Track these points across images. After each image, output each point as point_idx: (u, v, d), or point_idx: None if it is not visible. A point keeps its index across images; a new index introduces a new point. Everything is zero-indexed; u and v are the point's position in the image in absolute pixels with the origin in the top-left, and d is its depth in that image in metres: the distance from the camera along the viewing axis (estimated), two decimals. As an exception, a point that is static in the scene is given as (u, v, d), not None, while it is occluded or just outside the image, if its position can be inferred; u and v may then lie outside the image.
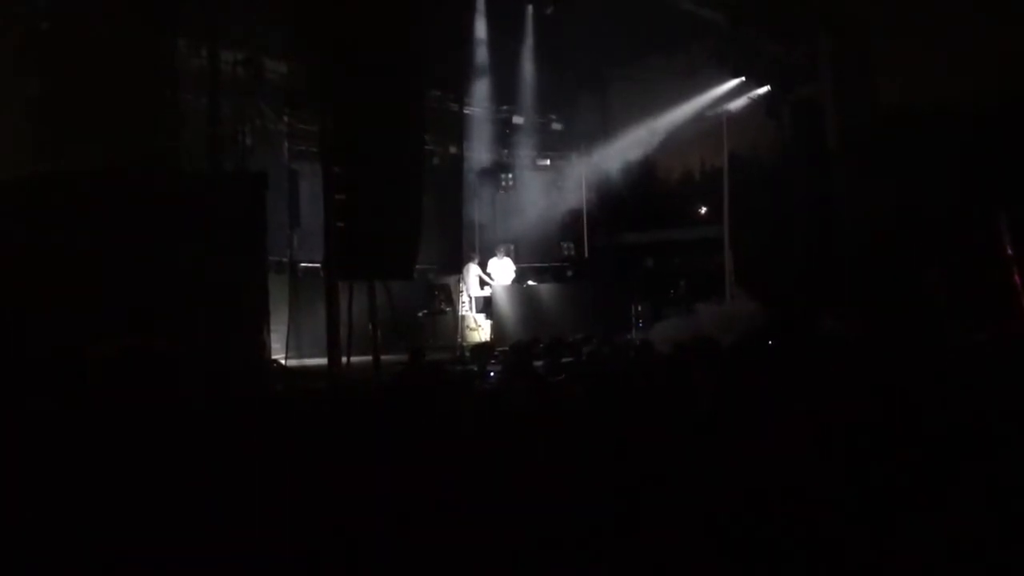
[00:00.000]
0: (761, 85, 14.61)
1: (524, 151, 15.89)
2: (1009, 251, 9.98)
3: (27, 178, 8.76)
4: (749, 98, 14.74)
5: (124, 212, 8.71)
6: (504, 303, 12.87)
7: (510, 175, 15.49)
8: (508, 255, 13.65)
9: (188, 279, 8.85)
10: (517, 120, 15.41)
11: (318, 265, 10.77)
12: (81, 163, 9.09)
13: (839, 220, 12.93)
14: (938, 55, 11.41)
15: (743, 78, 14.60)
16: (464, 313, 12.72)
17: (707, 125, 15.39)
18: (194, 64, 10.77)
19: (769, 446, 3.44)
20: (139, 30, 9.93)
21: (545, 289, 13.92)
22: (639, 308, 14.46)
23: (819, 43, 13.64)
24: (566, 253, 16.03)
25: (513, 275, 13.41)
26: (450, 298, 13.15)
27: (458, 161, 14.35)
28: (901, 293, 10.51)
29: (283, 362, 9.99)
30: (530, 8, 13.76)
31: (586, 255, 16.18)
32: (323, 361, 9.27)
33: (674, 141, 15.96)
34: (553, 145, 16.30)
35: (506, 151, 15.70)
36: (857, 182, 12.62)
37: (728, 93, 15.03)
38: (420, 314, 12.80)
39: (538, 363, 8.40)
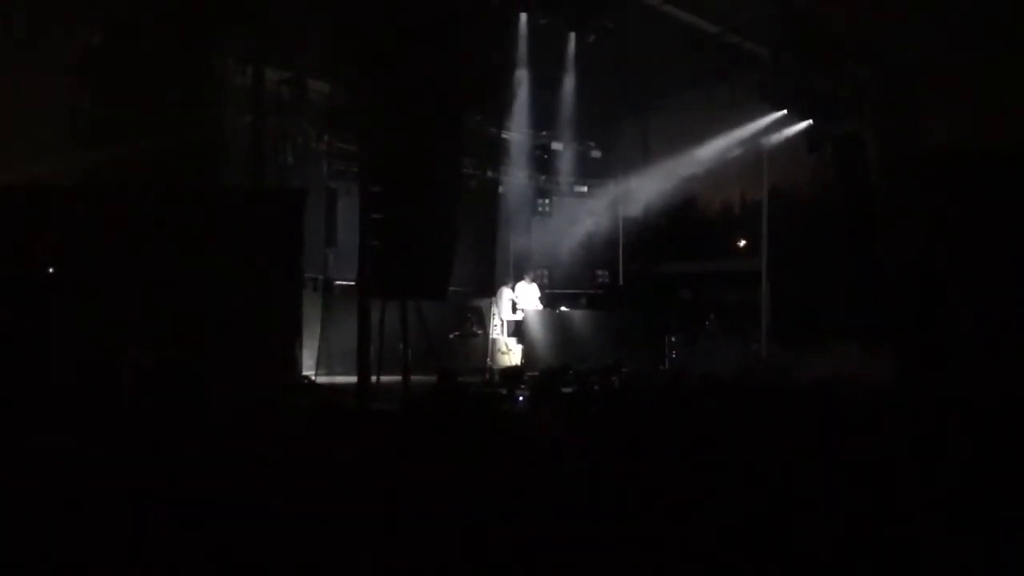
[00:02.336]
0: (803, 119, 14.49)
1: (562, 177, 15.91)
2: None
3: (68, 188, 8.94)
4: (789, 134, 14.62)
5: (164, 224, 8.85)
6: (536, 328, 12.84)
7: (547, 200, 15.52)
8: (536, 280, 13.64)
9: (224, 293, 8.97)
10: (556, 146, 15.45)
11: (352, 283, 10.84)
12: (125, 175, 9.27)
13: (880, 258, 12.72)
14: (986, 94, 11.25)
15: (785, 111, 14.49)
16: (495, 336, 12.70)
17: (747, 158, 15.29)
18: (239, 82, 10.98)
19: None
20: (187, 48, 10.14)
21: (578, 315, 13.87)
22: (672, 339, 14.34)
23: (863, 78, 13.52)
24: (600, 280, 15.97)
25: (538, 301, 13.37)
26: (482, 321, 13.14)
27: (495, 185, 14.39)
28: (941, 334, 10.28)
29: (314, 378, 10.05)
30: (572, 36, 13.81)
31: (621, 283, 16.10)
32: (353, 379, 9.29)
33: (714, 173, 15.86)
34: (591, 172, 16.30)
35: (544, 177, 15.73)
36: (900, 220, 12.42)
37: (770, 126, 14.92)
38: (451, 336, 12.81)
39: (567, 390, 8.35)
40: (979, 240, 10.44)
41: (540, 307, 13.31)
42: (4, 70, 9.28)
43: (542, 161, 15.56)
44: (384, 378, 9.52)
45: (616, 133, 16.24)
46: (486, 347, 12.73)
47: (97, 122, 9.96)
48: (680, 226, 17.13)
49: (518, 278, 13.61)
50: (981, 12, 11.49)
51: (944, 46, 11.87)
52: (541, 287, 13.78)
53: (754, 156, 15.11)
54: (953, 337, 9.82)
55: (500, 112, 14.12)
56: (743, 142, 15.11)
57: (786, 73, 13.96)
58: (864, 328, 11.91)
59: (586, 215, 16.15)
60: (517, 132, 14.75)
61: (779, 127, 14.79)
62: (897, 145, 12.89)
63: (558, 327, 13.16)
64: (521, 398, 8.87)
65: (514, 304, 12.96)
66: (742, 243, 19.83)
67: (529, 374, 10.80)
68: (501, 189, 14.69)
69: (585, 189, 16.27)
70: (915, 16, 11.92)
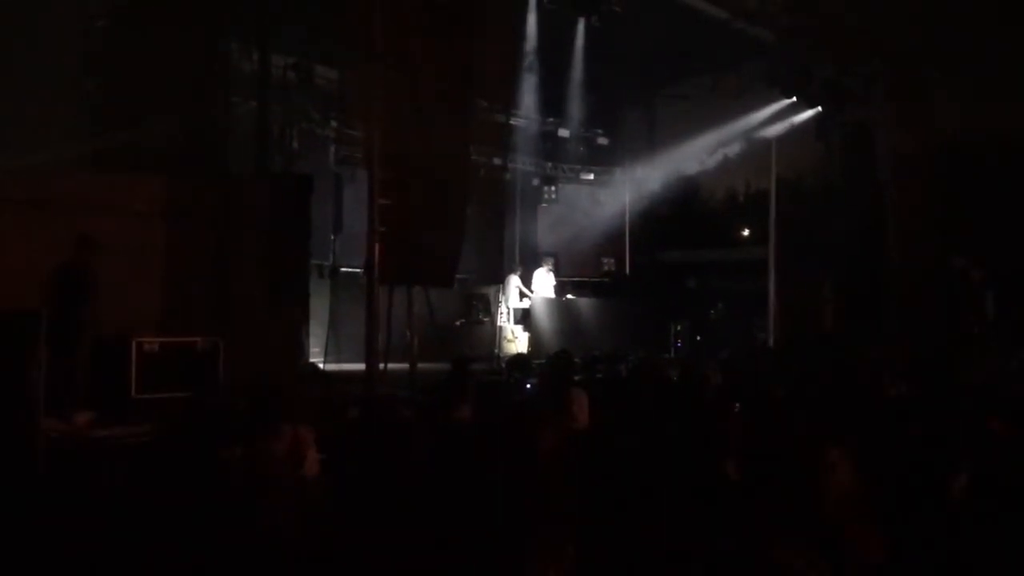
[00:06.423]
0: (811, 107, 14.39)
1: (568, 164, 15.85)
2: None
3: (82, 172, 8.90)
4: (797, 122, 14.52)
5: (170, 209, 8.83)
6: (542, 316, 12.80)
7: (553, 188, 15.46)
8: (550, 269, 13.61)
9: (231, 278, 8.94)
10: (563, 133, 15.36)
11: (358, 269, 10.79)
12: (131, 159, 9.22)
13: (888, 248, 12.67)
14: (997, 83, 11.18)
15: (793, 99, 14.37)
16: (502, 324, 12.66)
17: (753, 146, 15.20)
18: (246, 67, 10.90)
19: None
20: (193, 32, 10.06)
21: (584, 303, 13.82)
22: (678, 328, 14.32)
23: (873, 66, 13.41)
24: (606, 268, 15.93)
25: (553, 289, 13.33)
26: (488, 308, 13.11)
27: (503, 172, 14.33)
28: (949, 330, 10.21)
29: (322, 366, 10.01)
30: (581, 21, 13.71)
31: (627, 271, 16.06)
32: (361, 366, 9.24)
33: (720, 161, 15.80)
34: (598, 159, 16.23)
35: (550, 164, 15.66)
36: (909, 210, 12.37)
37: (777, 114, 14.82)
38: (458, 323, 12.77)
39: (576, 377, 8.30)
40: (991, 231, 10.39)
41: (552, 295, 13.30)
42: (8, 56, 9.20)
43: (549, 148, 15.49)
44: (392, 365, 9.47)
45: (623, 120, 16.17)
46: (493, 335, 12.70)
47: (103, 108, 9.90)
48: (685, 214, 17.05)
49: (525, 265, 13.57)
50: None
51: (955, 34, 11.77)
52: (547, 274, 13.73)
53: (759, 144, 15.02)
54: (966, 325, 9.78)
55: (508, 98, 14.04)
56: (751, 130, 15.02)
57: (794, 60, 13.85)
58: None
59: (592, 203, 16.10)
60: (524, 118, 14.67)
61: (787, 115, 14.69)
62: (907, 135, 12.79)
63: (564, 315, 13.12)
64: (529, 385, 8.83)
65: (521, 292, 12.93)
66: (745, 232, 19.74)
67: (536, 362, 10.76)
68: (508, 176, 14.62)
69: (592, 176, 16.21)
70: (927, 3, 11.82)
